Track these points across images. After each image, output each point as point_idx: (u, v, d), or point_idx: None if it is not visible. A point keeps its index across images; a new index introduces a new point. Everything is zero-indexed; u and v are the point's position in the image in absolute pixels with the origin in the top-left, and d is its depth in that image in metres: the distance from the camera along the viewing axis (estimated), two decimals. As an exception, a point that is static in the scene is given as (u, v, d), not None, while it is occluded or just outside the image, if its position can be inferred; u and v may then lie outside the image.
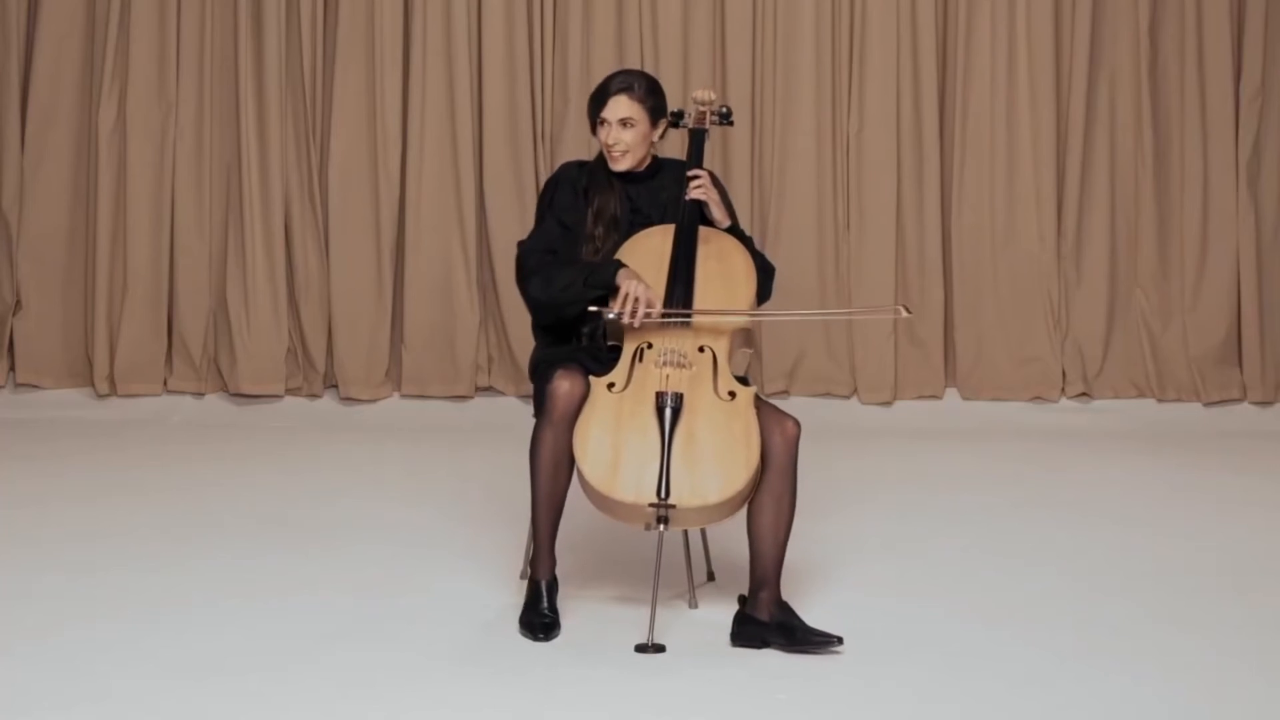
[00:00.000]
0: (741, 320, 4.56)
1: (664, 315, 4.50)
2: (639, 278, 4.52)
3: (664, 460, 4.31)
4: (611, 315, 4.48)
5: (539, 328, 4.74)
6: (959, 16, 7.33)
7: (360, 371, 7.31)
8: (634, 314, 4.47)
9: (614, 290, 4.51)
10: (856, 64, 7.31)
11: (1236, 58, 7.39)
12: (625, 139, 4.68)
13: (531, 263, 4.66)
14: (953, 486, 6.17)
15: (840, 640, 4.33)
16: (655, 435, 4.35)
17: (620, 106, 4.67)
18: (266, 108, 7.25)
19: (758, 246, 4.90)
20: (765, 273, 4.73)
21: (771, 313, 4.63)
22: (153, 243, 7.29)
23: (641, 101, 4.69)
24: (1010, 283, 7.39)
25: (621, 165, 4.71)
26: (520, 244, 4.73)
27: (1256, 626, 4.61)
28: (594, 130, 4.74)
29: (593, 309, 4.53)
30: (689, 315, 4.52)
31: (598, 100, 4.71)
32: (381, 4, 7.24)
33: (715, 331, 4.53)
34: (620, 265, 4.55)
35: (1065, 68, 7.37)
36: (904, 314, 4.68)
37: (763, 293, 4.73)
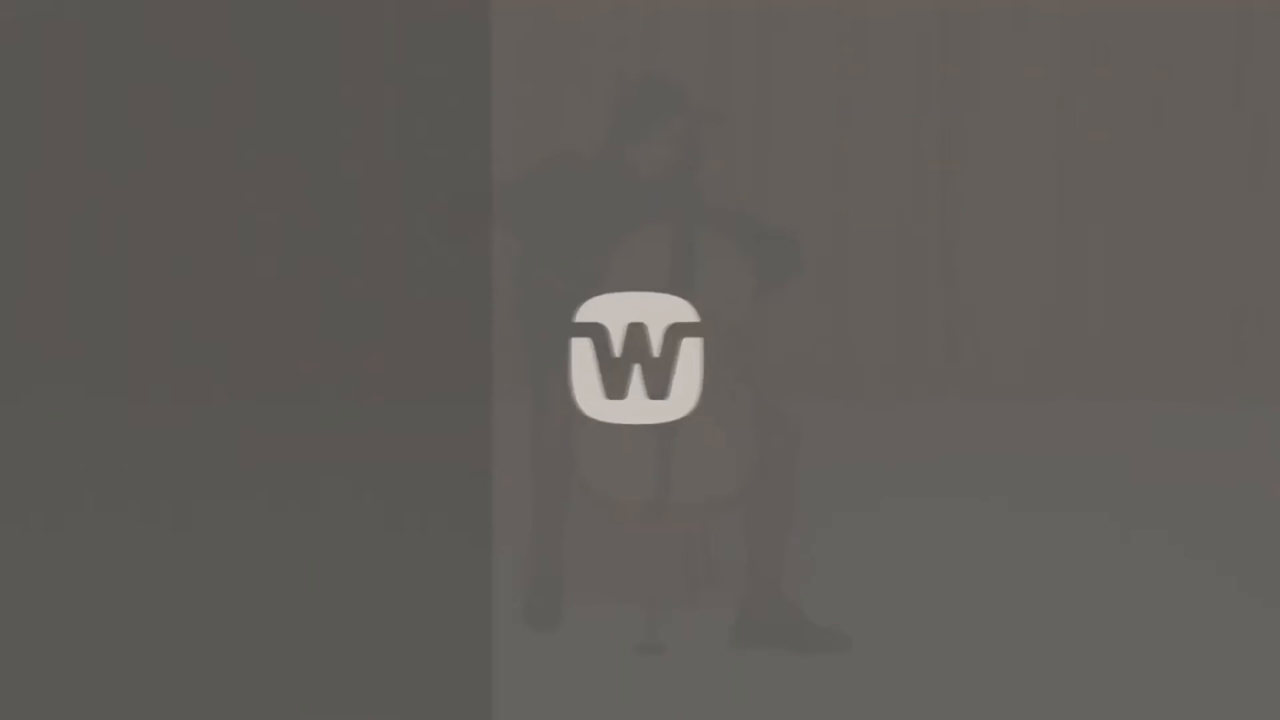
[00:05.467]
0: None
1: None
2: None
3: (661, 460, 4.31)
4: None
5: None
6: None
7: (361, 371, 7.30)
8: None
9: None
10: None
11: (1237, 58, 7.38)
12: None
13: None
14: (952, 486, 6.17)
15: (847, 640, 4.33)
16: (651, 435, 4.35)
17: None
18: (267, 108, 7.24)
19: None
20: (786, 243, 4.73)
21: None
22: (153, 243, 7.29)
23: None
24: (1010, 283, 7.37)
25: None
26: None
27: (1257, 629, 4.61)
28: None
29: None
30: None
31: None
32: (382, 4, 7.23)
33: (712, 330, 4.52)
34: None
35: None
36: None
37: (790, 263, 4.72)
